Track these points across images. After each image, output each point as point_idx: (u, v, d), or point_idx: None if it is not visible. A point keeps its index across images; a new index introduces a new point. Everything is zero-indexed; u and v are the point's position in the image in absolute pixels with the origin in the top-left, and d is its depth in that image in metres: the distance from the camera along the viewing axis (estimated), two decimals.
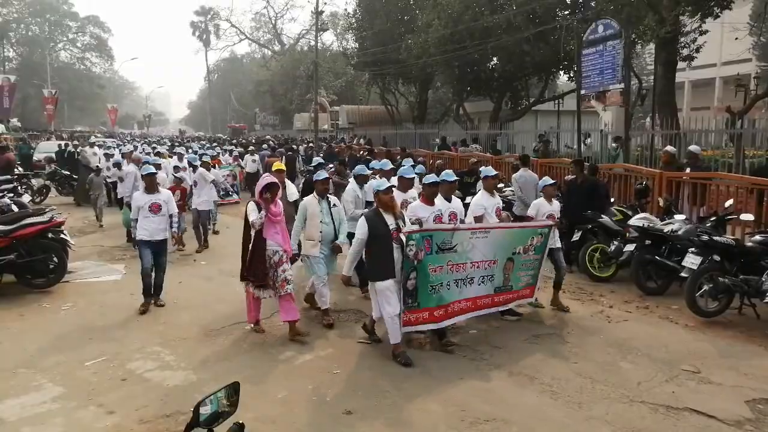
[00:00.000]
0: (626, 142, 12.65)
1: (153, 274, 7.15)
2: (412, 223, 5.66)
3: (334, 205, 6.72)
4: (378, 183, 5.83)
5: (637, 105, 18.30)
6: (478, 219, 6.52)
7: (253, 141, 28.94)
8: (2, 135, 25.50)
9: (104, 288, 8.19)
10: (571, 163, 9.88)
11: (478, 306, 6.16)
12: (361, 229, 5.47)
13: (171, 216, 7.15)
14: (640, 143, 14.51)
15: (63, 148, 20.03)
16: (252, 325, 6.31)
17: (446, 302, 5.81)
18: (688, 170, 9.62)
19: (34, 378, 5.17)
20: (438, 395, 4.86)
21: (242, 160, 18.90)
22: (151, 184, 7.14)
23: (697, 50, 15.63)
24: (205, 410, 2.01)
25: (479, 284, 6.11)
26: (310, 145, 25.36)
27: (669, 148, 10.67)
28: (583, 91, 13.19)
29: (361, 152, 19.10)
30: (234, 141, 29.53)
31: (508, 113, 23.13)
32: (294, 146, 22.68)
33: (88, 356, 5.63)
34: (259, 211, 5.85)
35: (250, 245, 5.97)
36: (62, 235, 8.28)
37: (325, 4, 63.67)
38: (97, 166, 13.97)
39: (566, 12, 19.36)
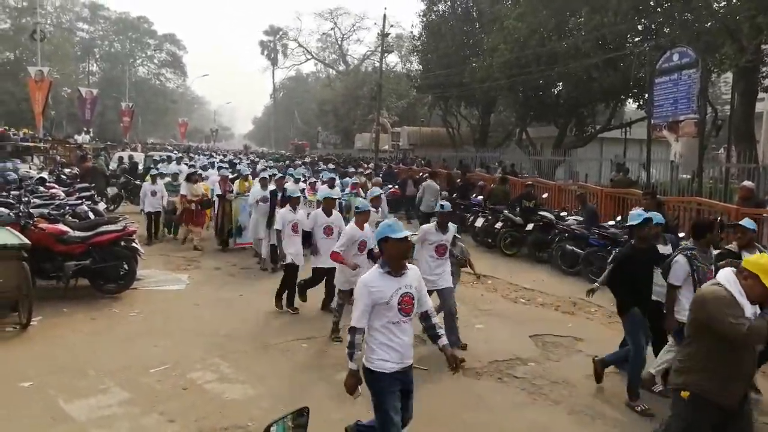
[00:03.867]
0: (699, 174, 12.12)
1: None
2: None
3: None
4: None
5: (711, 136, 17.54)
6: None
7: (317, 159, 29.50)
8: (84, 145, 27.09)
9: (168, 297, 8.48)
10: (643, 195, 9.57)
11: None
12: None
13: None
14: (713, 176, 13.87)
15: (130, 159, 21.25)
16: None
17: None
18: None
19: (102, 381, 5.38)
20: (495, 429, 4.74)
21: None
22: (400, 257, 3.74)
23: None
24: None
25: None
26: (369, 166, 25.57)
27: (747, 183, 10.14)
28: (654, 121, 12.76)
29: (421, 173, 19.14)
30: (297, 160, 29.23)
31: (573, 140, 22.63)
32: (362, 166, 22.78)
33: (153, 363, 5.82)
34: None
35: None
36: (133, 244, 8.66)
37: (392, 26, 64.65)
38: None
39: (637, 39, 18.87)
